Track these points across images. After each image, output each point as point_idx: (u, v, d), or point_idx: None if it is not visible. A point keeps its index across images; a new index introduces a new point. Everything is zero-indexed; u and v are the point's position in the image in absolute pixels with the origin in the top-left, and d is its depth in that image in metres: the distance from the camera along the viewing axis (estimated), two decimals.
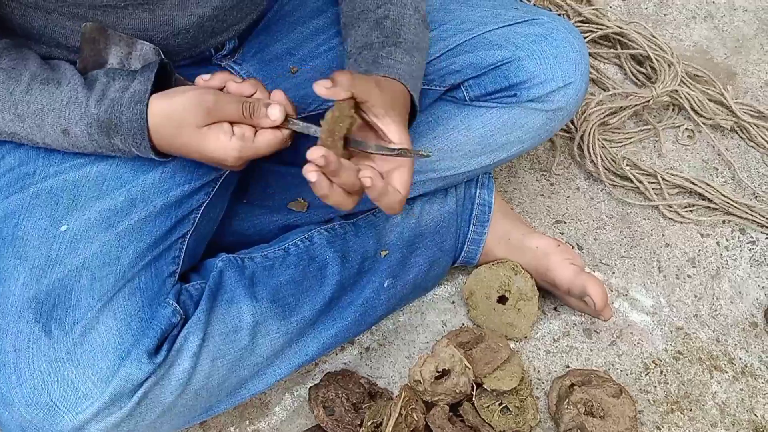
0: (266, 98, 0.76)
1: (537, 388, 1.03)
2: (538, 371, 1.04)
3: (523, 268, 1.04)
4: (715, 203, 1.19)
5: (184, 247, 0.82)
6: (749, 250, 1.18)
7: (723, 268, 1.15)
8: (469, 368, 0.95)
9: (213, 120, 0.73)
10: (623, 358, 1.06)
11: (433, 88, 0.97)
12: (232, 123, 0.74)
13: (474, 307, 1.06)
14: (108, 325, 0.73)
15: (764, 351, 1.08)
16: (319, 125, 0.73)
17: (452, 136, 0.98)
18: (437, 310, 1.08)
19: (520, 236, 1.05)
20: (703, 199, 1.20)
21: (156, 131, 0.74)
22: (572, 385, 1.00)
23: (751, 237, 1.19)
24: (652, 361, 1.06)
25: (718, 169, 1.25)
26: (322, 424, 0.92)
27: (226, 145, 0.73)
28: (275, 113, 0.74)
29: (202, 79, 0.77)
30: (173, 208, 0.81)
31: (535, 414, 0.99)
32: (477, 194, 1.06)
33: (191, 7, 0.81)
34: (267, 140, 0.75)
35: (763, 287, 1.14)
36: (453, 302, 1.09)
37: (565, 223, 1.17)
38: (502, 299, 1.05)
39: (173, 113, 0.73)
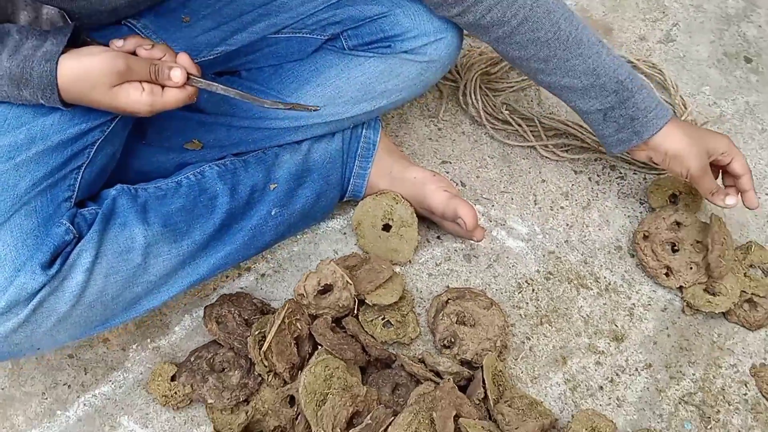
0: (173, 61, 0.87)
1: (419, 306, 1.13)
2: (421, 291, 1.15)
3: (403, 197, 1.15)
4: (588, 143, 1.31)
5: (80, 177, 0.90)
6: (618, 184, 1.30)
7: (593, 200, 1.27)
8: (351, 284, 1.05)
9: (124, 80, 0.83)
10: (499, 279, 1.17)
11: (314, 36, 1.08)
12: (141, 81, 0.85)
13: (362, 236, 1.16)
14: (5, 242, 0.81)
15: (627, 271, 1.20)
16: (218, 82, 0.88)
17: (334, 83, 1.08)
18: (330, 240, 1.18)
19: (401, 169, 1.16)
20: (576, 140, 1.32)
21: (66, 89, 0.82)
22: (448, 300, 1.10)
23: (620, 173, 1.31)
24: (525, 281, 1.18)
25: None
26: (214, 336, 1.01)
27: (138, 100, 0.84)
28: (177, 75, 0.86)
29: (115, 45, 0.87)
30: (69, 143, 0.89)
31: (416, 327, 1.10)
32: (363, 134, 1.16)
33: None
34: (174, 96, 0.87)
35: (628, 216, 1.26)
36: (345, 233, 1.19)
37: (450, 163, 1.28)
38: (386, 228, 1.15)
39: (85, 74, 0.82)
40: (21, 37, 0.82)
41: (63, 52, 0.82)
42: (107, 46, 0.87)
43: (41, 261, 0.82)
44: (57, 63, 0.81)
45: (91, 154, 0.92)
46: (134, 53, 0.88)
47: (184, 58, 0.88)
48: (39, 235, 0.84)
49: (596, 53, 1.04)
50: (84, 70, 0.82)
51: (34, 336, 0.84)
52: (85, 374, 1.01)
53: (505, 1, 1.00)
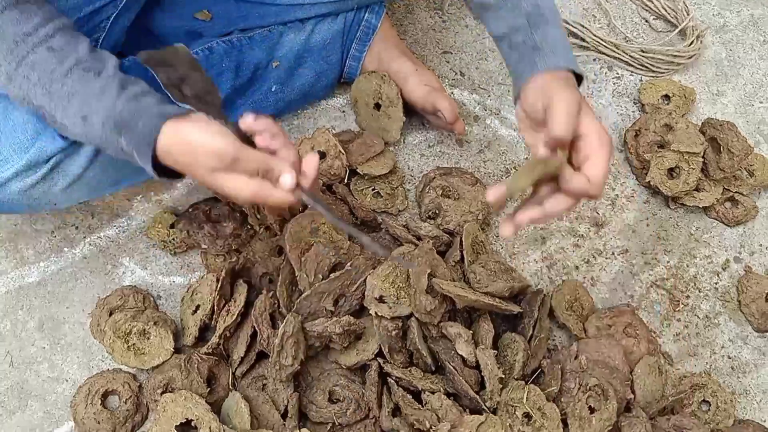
0: (290, 158, 0.78)
1: (409, 183, 1.19)
2: (412, 170, 1.20)
3: (390, 77, 1.19)
4: (587, 42, 1.34)
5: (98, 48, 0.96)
6: (614, 83, 1.33)
7: (588, 97, 1.31)
8: (343, 153, 1.11)
9: (227, 171, 0.74)
10: (488, 164, 1.22)
11: None
12: None
13: (358, 114, 1.21)
14: (27, 109, 0.84)
15: (613, 164, 1.24)
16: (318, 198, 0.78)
17: None
18: (329, 116, 1.23)
19: (389, 58, 1.20)
20: (576, 38, 1.34)
21: (167, 151, 0.75)
22: (435, 176, 1.16)
23: (617, 73, 1.34)
24: (514, 167, 1.22)
25: (596, 17, 1.40)
26: (211, 191, 1.08)
27: (240, 188, 0.74)
28: (286, 182, 0.76)
29: (244, 122, 0.77)
30: (87, 19, 0.93)
31: (404, 200, 1.16)
32: (365, 18, 1.20)
33: None
34: (279, 199, 0.76)
35: (620, 114, 1.30)
36: (343, 111, 1.24)
37: (451, 53, 1.32)
38: (377, 107, 1.20)
39: (190, 145, 0.74)
40: (147, 90, 0.79)
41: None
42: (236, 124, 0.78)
43: None
44: (165, 120, 0.74)
45: (107, 27, 0.98)
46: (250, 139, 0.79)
47: (310, 161, 0.79)
48: None
49: None
50: (192, 141, 0.73)
51: (51, 192, 0.91)
52: (92, 218, 1.09)
53: None
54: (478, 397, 0.93)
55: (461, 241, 1.04)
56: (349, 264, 0.98)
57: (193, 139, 0.73)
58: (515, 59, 0.88)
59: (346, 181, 1.13)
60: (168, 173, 0.77)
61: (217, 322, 0.97)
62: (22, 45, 0.76)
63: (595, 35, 1.33)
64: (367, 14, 1.21)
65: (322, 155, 1.10)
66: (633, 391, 1.00)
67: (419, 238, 1.07)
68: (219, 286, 0.97)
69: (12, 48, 0.76)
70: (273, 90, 1.12)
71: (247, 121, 0.77)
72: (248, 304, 0.99)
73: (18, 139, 0.86)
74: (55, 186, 0.90)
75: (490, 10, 0.91)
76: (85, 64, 0.77)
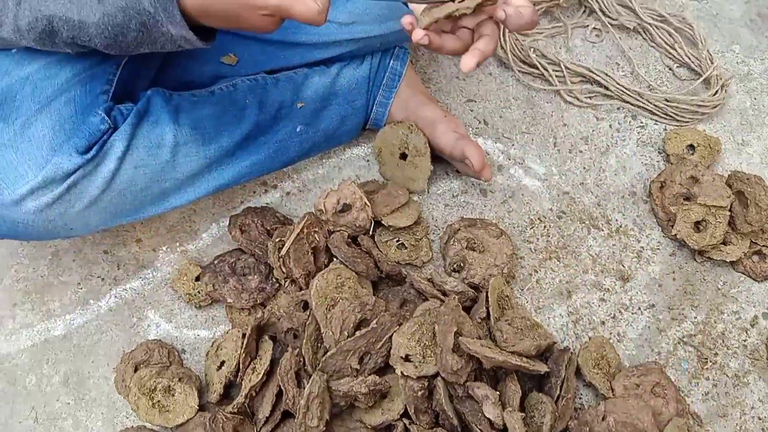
0: None
1: (433, 234, 1.19)
2: (436, 220, 1.20)
3: (418, 127, 1.19)
4: (611, 91, 1.33)
5: (118, 73, 0.97)
6: (638, 132, 1.32)
7: (612, 146, 1.30)
8: (368, 205, 1.11)
9: None
10: (512, 214, 1.22)
11: None
12: None
13: (383, 164, 1.21)
14: (44, 123, 0.88)
15: (638, 215, 1.24)
16: None
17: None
18: (353, 166, 1.23)
19: (416, 105, 1.20)
20: (601, 87, 1.34)
21: None
22: (460, 227, 1.15)
23: (641, 122, 1.34)
24: (538, 218, 1.22)
25: (619, 64, 1.39)
26: (237, 243, 1.08)
27: None
28: None
29: None
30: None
31: (428, 252, 1.15)
32: (390, 64, 1.21)
33: None
34: (305, 3, 0.74)
35: (645, 164, 1.29)
36: (368, 161, 1.24)
37: (475, 102, 1.32)
38: (403, 156, 1.20)
39: None
40: None
41: None
42: None
43: (77, 145, 0.89)
44: None
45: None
46: None
47: None
48: (76, 121, 0.90)
49: None
50: None
51: (67, 215, 0.90)
52: (118, 269, 1.09)
53: None
54: None
55: (487, 297, 1.04)
56: (374, 321, 0.98)
57: None
58: None
59: (371, 232, 1.13)
60: (200, 32, 0.79)
61: (242, 380, 0.97)
62: None
63: (619, 84, 1.33)
64: (392, 61, 1.22)
65: (348, 208, 1.10)
66: None
67: (444, 293, 1.06)
68: (245, 342, 0.97)
69: None
70: (298, 130, 1.12)
71: None
72: (272, 360, 0.99)
73: (34, 154, 0.86)
74: (72, 208, 0.90)
75: None
76: None
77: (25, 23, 0.81)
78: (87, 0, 0.79)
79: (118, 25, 0.79)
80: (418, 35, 0.80)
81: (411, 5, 0.85)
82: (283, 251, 1.02)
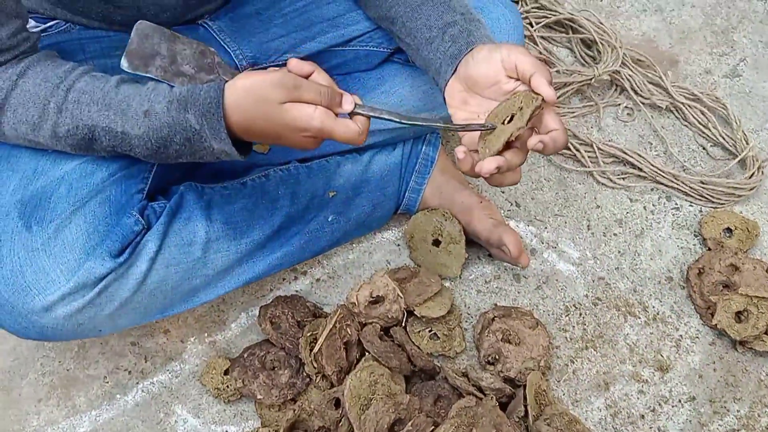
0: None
1: (466, 322, 1.16)
2: (468, 307, 1.17)
3: (452, 214, 1.17)
4: (645, 172, 1.31)
5: (153, 170, 0.96)
6: (673, 214, 1.30)
7: (647, 229, 1.28)
8: (401, 297, 1.08)
9: (293, 99, 0.78)
10: (546, 301, 1.19)
11: (381, 50, 1.11)
12: None
13: (414, 249, 1.19)
14: (78, 226, 0.87)
15: (676, 302, 1.20)
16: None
17: (398, 91, 1.12)
18: (384, 251, 1.21)
19: (451, 190, 1.19)
20: (634, 168, 1.32)
21: (236, 105, 0.78)
22: (494, 317, 1.12)
23: (676, 204, 1.31)
24: (573, 305, 1.19)
25: (652, 144, 1.38)
26: (267, 336, 1.06)
27: (310, 114, 0.78)
28: (348, 101, 0.82)
29: (290, 66, 0.82)
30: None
31: (462, 342, 1.12)
32: (422, 150, 1.20)
33: None
34: (345, 127, 0.80)
35: (681, 247, 1.26)
36: (398, 245, 1.22)
37: None
38: (436, 243, 1.18)
39: (253, 87, 0.78)
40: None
41: None
42: None
43: (110, 249, 0.87)
44: (224, 87, 0.79)
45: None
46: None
47: (348, 99, 0.83)
48: (110, 223, 0.89)
49: None
50: (252, 83, 0.78)
51: (97, 318, 0.89)
52: (145, 362, 1.07)
53: None
54: None
55: (525, 394, 1.01)
56: (410, 423, 0.94)
57: (253, 82, 0.78)
58: (446, 46, 0.91)
59: (403, 323, 1.10)
60: (239, 146, 0.81)
61: None
62: (66, 79, 0.80)
63: (652, 165, 1.31)
64: (424, 147, 1.21)
65: (380, 299, 1.08)
66: None
67: (480, 389, 1.03)
68: None
69: (58, 83, 0.80)
70: (330, 220, 1.10)
71: (294, 63, 0.81)
72: None
73: (67, 258, 0.84)
74: (102, 311, 0.88)
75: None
76: (129, 80, 0.82)
77: (64, 130, 0.81)
78: (133, 114, 0.80)
79: (162, 138, 0.80)
80: (488, 168, 0.78)
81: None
82: (316, 348, 0.99)
